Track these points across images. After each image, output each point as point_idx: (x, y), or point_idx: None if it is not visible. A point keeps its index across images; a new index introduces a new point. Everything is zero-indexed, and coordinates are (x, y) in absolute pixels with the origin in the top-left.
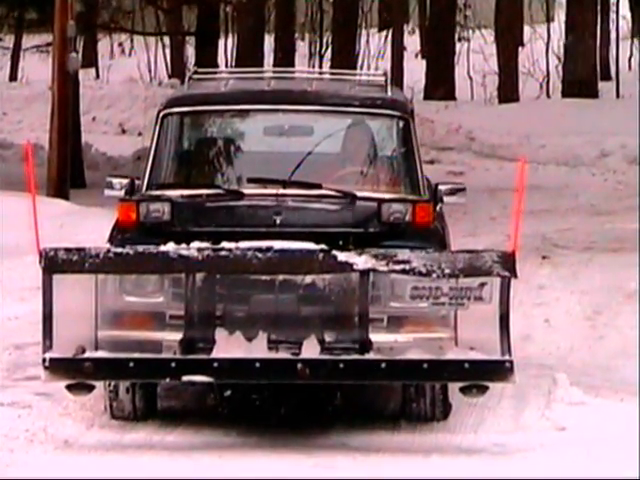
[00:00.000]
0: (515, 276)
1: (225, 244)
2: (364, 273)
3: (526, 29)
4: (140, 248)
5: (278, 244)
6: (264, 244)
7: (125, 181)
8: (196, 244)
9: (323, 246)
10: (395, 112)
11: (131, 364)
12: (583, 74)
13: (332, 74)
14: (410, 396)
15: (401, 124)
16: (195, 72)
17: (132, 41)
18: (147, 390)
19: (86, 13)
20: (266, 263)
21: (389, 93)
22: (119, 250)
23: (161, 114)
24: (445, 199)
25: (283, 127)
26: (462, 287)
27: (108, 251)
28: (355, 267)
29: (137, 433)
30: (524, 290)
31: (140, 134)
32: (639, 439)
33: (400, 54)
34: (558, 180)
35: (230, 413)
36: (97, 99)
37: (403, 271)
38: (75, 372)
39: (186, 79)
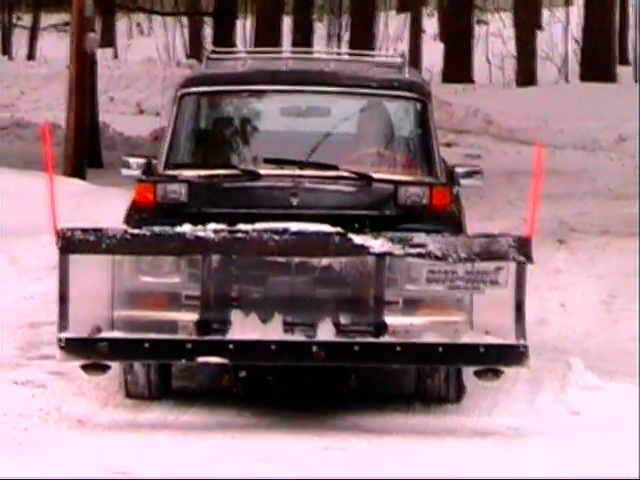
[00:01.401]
0: (531, 261)
1: (241, 226)
2: (380, 256)
3: (545, 12)
4: (157, 229)
5: (294, 226)
6: (280, 226)
7: (142, 161)
8: (212, 226)
9: (339, 229)
10: (412, 94)
11: (146, 345)
12: (601, 58)
13: (350, 55)
14: (424, 378)
15: (418, 106)
16: (213, 52)
17: (150, 21)
18: (162, 368)
19: None
20: (282, 245)
21: (406, 75)
22: (136, 231)
23: (178, 94)
24: (462, 182)
25: (300, 108)
26: (478, 271)
27: (125, 232)
28: (371, 250)
29: (151, 413)
30: (540, 274)
31: (158, 114)
32: (639, 439)
33: (418, 37)
34: (576, 164)
35: (244, 394)
36: (115, 79)
37: (419, 255)
38: (90, 352)
39: (204, 59)
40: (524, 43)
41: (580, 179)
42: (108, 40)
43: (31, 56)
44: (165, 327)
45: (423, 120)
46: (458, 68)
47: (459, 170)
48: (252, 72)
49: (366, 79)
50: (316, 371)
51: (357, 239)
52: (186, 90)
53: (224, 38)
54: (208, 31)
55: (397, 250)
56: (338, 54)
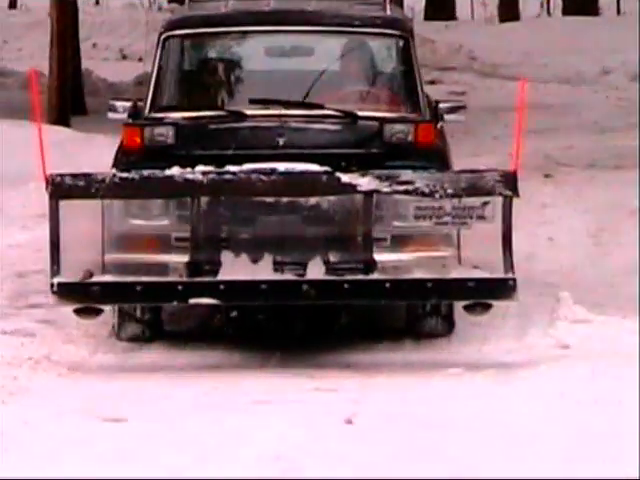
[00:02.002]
0: (517, 195)
1: (229, 167)
2: (367, 194)
3: None
4: (145, 173)
5: (282, 166)
6: (268, 166)
7: (128, 104)
8: (200, 168)
9: (326, 168)
10: (394, 31)
11: (138, 288)
12: None
13: None
14: (414, 313)
15: (401, 43)
16: None
17: None
18: (154, 310)
19: None
20: (270, 186)
21: (388, 12)
22: (125, 175)
23: (162, 37)
24: (445, 117)
25: (283, 47)
26: (465, 207)
27: (114, 176)
28: (358, 188)
29: (141, 358)
30: (527, 209)
31: (141, 59)
32: (639, 439)
33: None
34: (560, 98)
35: (235, 334)
36: (97, 25)
37: (406, 192)
38: (83, 296)
39: (187, 1)
40: None
41: (565, 113)
42: None
43: (12, 4)
44: (156, 269)
45: (406, 57)
46: (440, 5)
47: (442, 106)
48: (235, 13)
49: (348, 17)
50: (307, 309)
51: (344, 177)
52: (169, 33)
53: None
54: None
55: (384, 187)
56: None
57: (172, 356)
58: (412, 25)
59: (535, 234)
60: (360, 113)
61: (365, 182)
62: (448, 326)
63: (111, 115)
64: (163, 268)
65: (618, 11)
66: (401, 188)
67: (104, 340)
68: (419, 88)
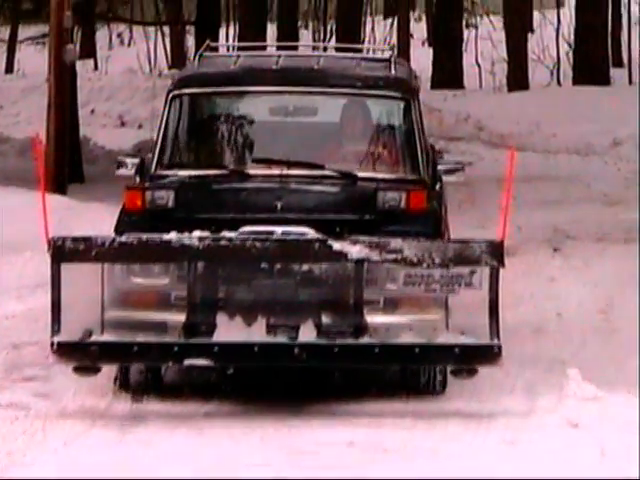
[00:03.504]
0: (503, 265)
1: (225, 233)
2: (358, 261)
3: (535, 15)
4: (144, 237)
5: (279, 230)
6: (265, 229)
7: (137, 160)
8: (197, 233)
9: (319, 236)
10: (396, 93)
11: (135, 348)
12: (594, 60)
13: (339, 50)
14: (408, 371)
15: (402, 104)
16: (208, 46)
17: (131, 31)
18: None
19: (83, 3)
20: (264, 252)
21: (392, 71)
22: (124, 239)
23: (170, 95)
24: (444, 178)
25: (287, 107)
26: (453, 275)
27: (113, 240)
28: (349, 257)
29: (137, 433)
30: (535, 283)
31: (140, 126)
32: (639, 439)
33: (406, 42)
34: (569, 169)
35: (233, 389)
36: (96, 91)
37: (395, 261)
38: (82, 355)
39: (196, 56)
40: (515, 46)
41: (574, 184)
42: (88, 51)
43: (9, 69)
44: (155, 327)
45: (407, 118)
46: (448, 73)
47: (441, 167)
48: (241, 72)
49: (351, 78)
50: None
51: (336, 245)
52: (177, 92)
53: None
54: (191, 40)
55: (374, 256)
56: (325, 49)
57: (169, 430)
58: (417, 84)
59: (543, 308)
60: (359, 174)
61: (356, 250)
62: (442, 384)
63: (119, 172)
64: (162, 326)
65: (630, 81)
66: (390, 257)
67: (100, 414)
68: (419, 150)
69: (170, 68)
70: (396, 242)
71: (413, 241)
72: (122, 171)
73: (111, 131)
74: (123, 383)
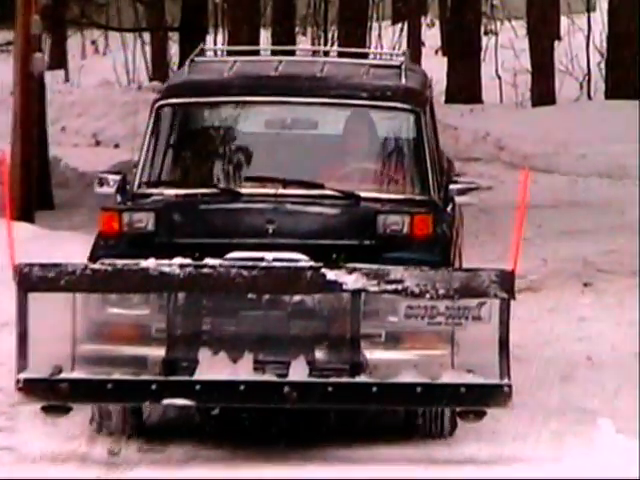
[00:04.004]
0: (513, 297)
1: (208, 260)
2: (355, 292)
3: (563, 20)
4: (119, 264)
5: (269, 256)
6: (254, 255)
7: (118, 177)
8: (178, 260)
9: (312, 263)
10: (404, 105)
11: (109, 386)
12: (629, 72)
13: (345, 56)
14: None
15: (411, 117)
16: (201, 51)
17: (107, 39)
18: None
19: (53, 7)
20: (251, 282)
21: (402, 80)
22: (97, 267)
23: (155, 105)
24: (456, 200)
25: (285, 120)
26: (459, 307)
27: (85, 268)
28: (344, 287)
29: None
30: (563, 322)
31: (117, 146)
32: (639, 439)
33: (417, 51)
34: (601, 195)
35: (219, 431)
36: (67, 106)
37: (395, 292)
38: (50, 394)
39: (187, 61)
40: (540, 56)
41: (606, 212)
42: (58, 61)
43: None
44: (133, 363)
45: (416, 132)
46: (464, 86)
47: (452, 187)
48: (235, 80)
49: (355, 88)
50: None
51: (330, 275)
52: (164, 102)
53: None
54: (174, 49)
55: (372, 287)
56: (326, 54)
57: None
58: (429, 93)
59: (572, 352)
60: (362, 194)
61: (352, 280)
62: (450, 426)
63: (100, 190)
64: (141, 362)
65: None
66: (390, 287)
67: (70, 470)
68: (429, 167)
69: (151, 80)
70: (396, 271)
71: (415, 270)
72: (104, 189)
73: (84, 151)
74: (100, 425)
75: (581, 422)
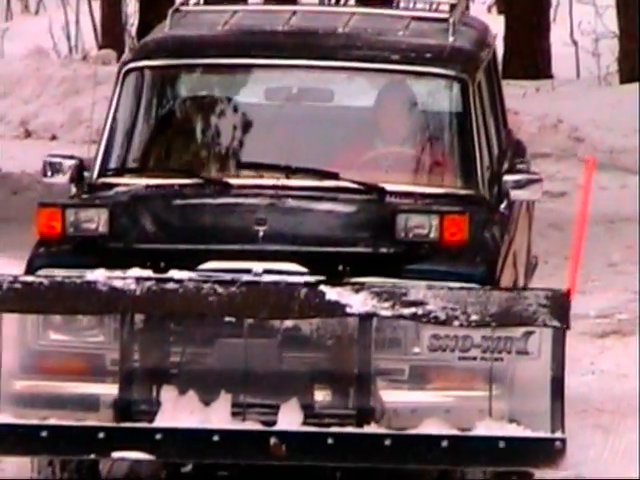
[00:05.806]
0: (568, 326)
1: (175, 273)
2: (363, 317)
3: None
4: (58, 277)
5: (258, 267)
6: (236, 266)
7: (73, 162)
8: (135, 271)
9: (308, 278)
10: (446, 70)
11: (44, 434)
12: None
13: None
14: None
15: (455, 87)
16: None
17: None
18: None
19: None
20: (227, 302)
21: (450, 38)
22: (29, 279)
23: (123, 69)
24: (512, 194)
25: (291, 89)
26: (500, 337)
27: (14, 281)
28: (348, 310)
29: None
30: None
31: (54, 137)
32: (639, 439)
33: (465, 6)
34: None
35: None
36: None
37: (414, 317)
38: None
39: (169, 13)
40: (631, 16)
41: None
42: None
43: None
44: (80, 404)
45: (462, 105)
46: (527, 55)
47: (508, 178)
48: (228, 36)
49: (383, 48)
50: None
51: (331, 294)
52: (136, 64)
53: (156, 14)
54: (132, 6)
55: (384, 310)
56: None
57: None
58: (487, 56)
59: None
60: (388, 187)
61: (359, 301)
62: None
63: (50, 179)
64: (91, 403)
65: None
66: (407, 312)
67: None
68: (476, 152)
69: (101, 48)
70: (417, 289)
71: (442, 289)
72: (55, 178)
73: (9, 145)
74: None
75: None
